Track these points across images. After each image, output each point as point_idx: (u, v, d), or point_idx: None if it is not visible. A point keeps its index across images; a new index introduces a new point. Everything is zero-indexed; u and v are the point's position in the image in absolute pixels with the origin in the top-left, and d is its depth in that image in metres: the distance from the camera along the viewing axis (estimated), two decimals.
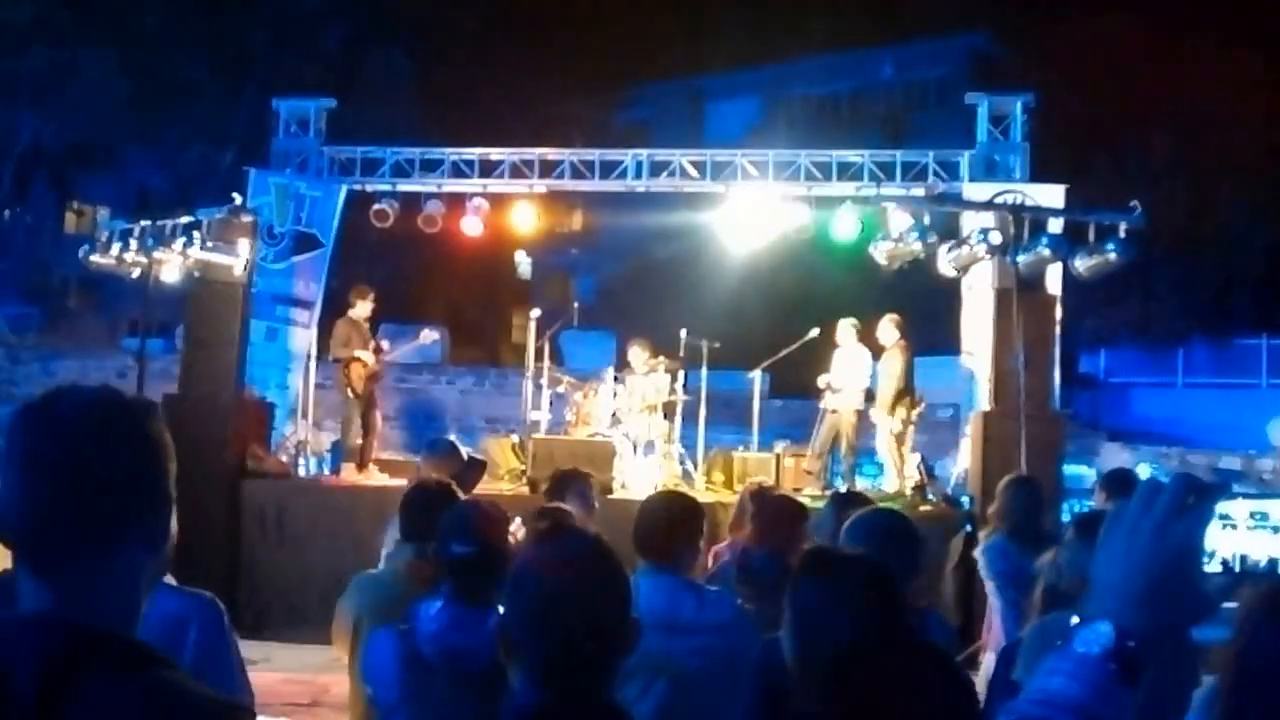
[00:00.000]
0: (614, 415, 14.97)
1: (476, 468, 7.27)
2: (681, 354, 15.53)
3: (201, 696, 1.76)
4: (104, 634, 1.75)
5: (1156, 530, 1.55)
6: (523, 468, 14.07)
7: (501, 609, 2.51)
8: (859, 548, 3.84)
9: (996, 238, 12.45)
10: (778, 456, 14.66)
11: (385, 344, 14.81)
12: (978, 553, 7.06)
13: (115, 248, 13.89)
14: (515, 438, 15.74)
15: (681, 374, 15.51)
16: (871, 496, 13.56)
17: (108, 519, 1.82)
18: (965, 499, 13.22)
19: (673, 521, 4.67)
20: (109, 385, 2.02)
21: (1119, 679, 1.52)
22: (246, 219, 14.10)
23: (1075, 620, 1.60)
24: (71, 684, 1.67)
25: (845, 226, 14.30)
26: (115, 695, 1.69)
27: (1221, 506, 1.65)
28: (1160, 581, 1.54)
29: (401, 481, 10.78)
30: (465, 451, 7.34)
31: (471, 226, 15.59)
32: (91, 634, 1.74)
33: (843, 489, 12.89)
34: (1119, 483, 7.17)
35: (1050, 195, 14.21)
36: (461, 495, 5.17)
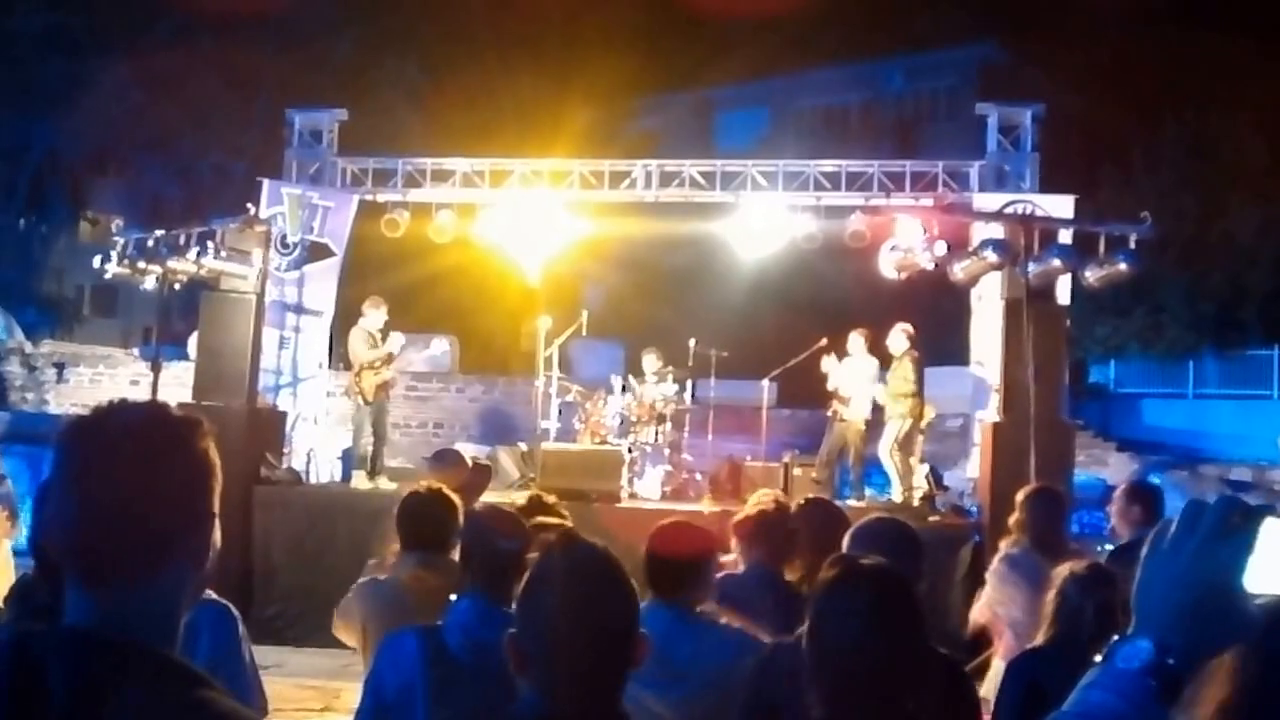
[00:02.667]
0: (622, 424, 14.99)
1: (482, 474, 7.28)
2: (690, 363, 15.56)
3: (237, 717, 1.78)
4: (143, 649, 1.76)
5: (1199, 550, 1.56)
6: (531, 476, 14.09)
7: (514, 618, 2.53)
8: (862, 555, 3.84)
9: (1006, 248, 12.46)
10: (785, 466, 14.66)
11: (399, 339, 14.76)
12: (996, 561, 7.05)
13: (129, 257, 13.94)
14: (524, 446, 15.77)
15: (690, 383, 15.53)
16: (878, 506, 13.65)
17: (155, 537, 1.83)
18: (974, 509, 13.22)
19: (682, 556, 4.44)
20: (158, 401, 2.02)
21: (1158, 695, 1.52)
22: (259, 229, 14.15)
23: (1115, 637, 1.62)
24: (108, 698, 1.68)
25: (854, 237, 14.34)
26: (151, 710, 1.71)
27: None
28: (1201, 601, 1.55)
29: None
30: (470, 458, 7.35)
31: (481, 234, 15.62)
32: (131, 649, 1.75)
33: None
34: (1139, 496, 7.17)
35: (1060, 206, 14.23)
36: (459, 503, 5.14)
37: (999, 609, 6.75)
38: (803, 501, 5.96)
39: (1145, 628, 1.58)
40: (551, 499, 6.09)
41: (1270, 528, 1.56)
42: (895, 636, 2.86)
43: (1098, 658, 1.62)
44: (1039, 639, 4.66)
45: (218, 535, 1.93)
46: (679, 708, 4.07)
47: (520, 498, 6.11)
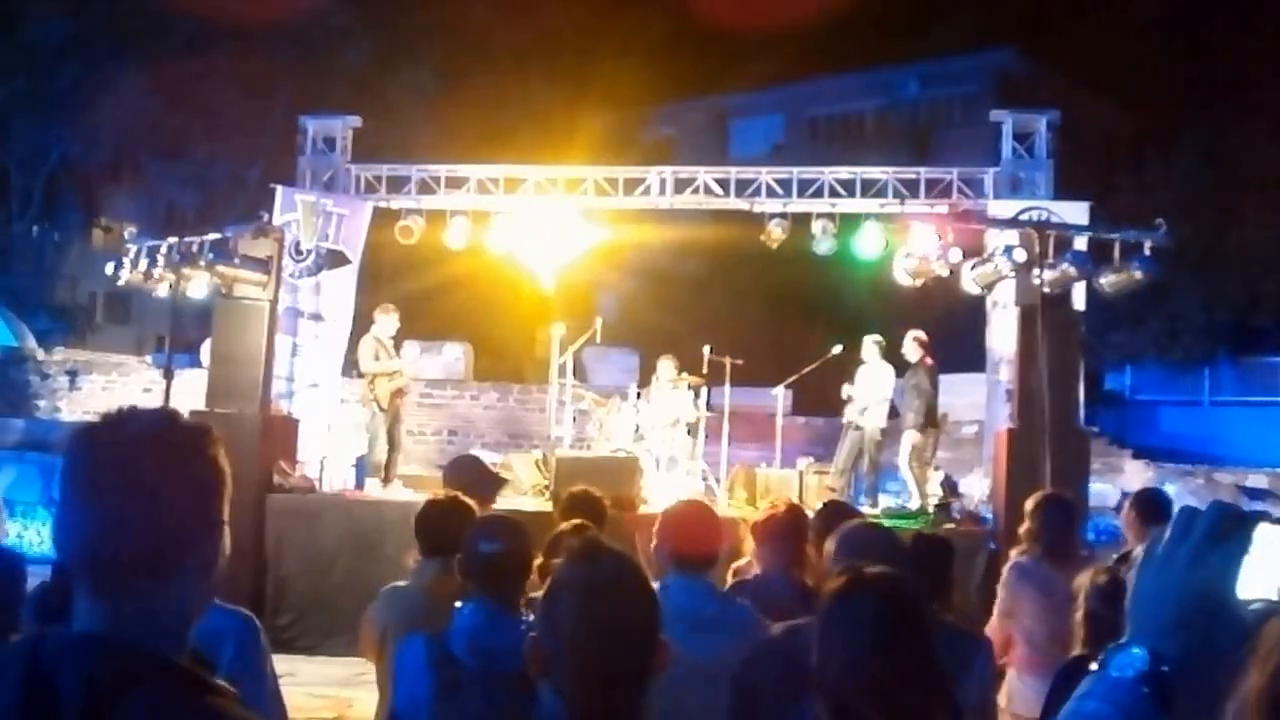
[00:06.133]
0: (637, 431, 14.97)
1: (496, 483, 7.29)
2: (705, 370, 15.54)
3: None
4: (155, 656, 1.76)
5: (1192, 557, 1.55)
6: (546, 483, 14.07)
7: (534, 623, 2.53)
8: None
9: (1021, 255, 12.40)
10: (800, 473, 14.63)
11: (413, 350, 14.83)
12: (1005, 570, 7.01)
13: (143, 264, 13.94)
14: (539, 453, 15.75)
15: (705, 390, 15.50)
16: (893, 513, 13.63)
17: (166, 546, 1.83)
18: (989, 516, 13.17)
19: (706, 531, 4.81)
20: (169, 408, 2.01)
21: (1153, 704, 1.51)
22: (273, 236, 14.14)
23: (1111, 645, 1.60)
24: (119, 704, 1.68)
25: (869, 243, 14.31)
26: (162, 717, 1.71)
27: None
28: (1195, 608, 1.53)
29: (426, 496, 10.76)
30: (486, 467, 7.36)
31: (494, 242, 15.62)
32: (142, 655, 1.75)
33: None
34: (1148, 504, 7.11)
35: (1075, 212, 14.19)
36: (477, 509, 5.21)
37: (1010, 619, 6.72)
38: (820, 506, 5.99)
39: (1139, 636, 1.57)
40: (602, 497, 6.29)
41: (1264, 534, 1.54)
42: (903, 648, 2.83)
43: (1093, 666, 1.60)
44: (1077, 649, 4.61)
45: (227, 542, 1.93)
46: (704, 659, 4.13)
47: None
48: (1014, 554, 7.04)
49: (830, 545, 4.28)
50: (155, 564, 1.81)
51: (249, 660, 3.76)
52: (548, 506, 12.95)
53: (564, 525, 5.67)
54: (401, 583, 5.20)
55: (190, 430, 1.93)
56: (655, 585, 4.37)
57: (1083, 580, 4.73)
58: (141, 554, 1.80)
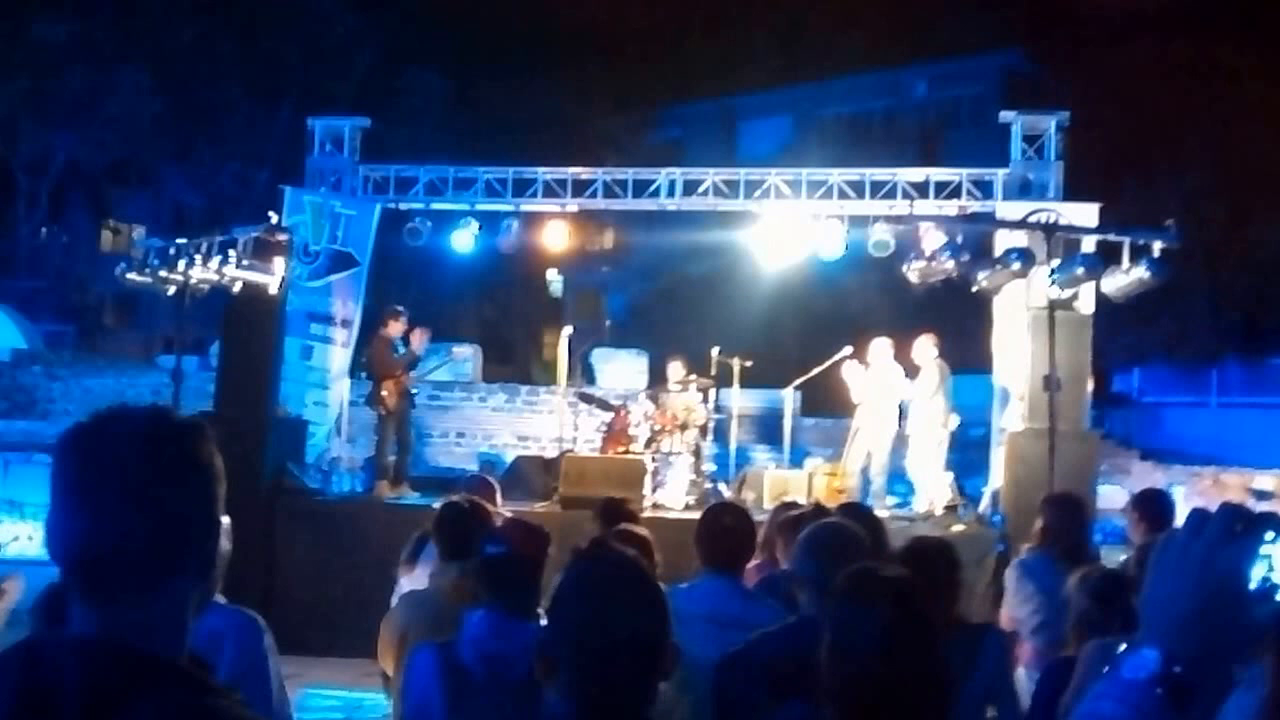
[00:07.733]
0: (645, 432, 14.95)
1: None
2: (713, 372, 15.52)
3: None
4: (153, 658, 1.73)
5: (1204, 557, 1.55)
6: (554, 485, 14.06)
7: (543, 625, 2.53)
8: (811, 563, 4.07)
9: (1030, 257, 12.40)
10: (809, 474, 14.61)
11: (422, 335, 14.71)
12: (1010, 567, 7.03)
13: (151, 265, 13.93)
14: (546, 455, 15.75)
15: (713, 392, 15.49)
16: (902, 516, 13.60)
17: (160, 547, 1.79)
18: (997, 518, 13.15)
19: (739, 532, 4.98)
20: (159, 406, 1.96)
21: (1166, 705, 1.51)
22: (281, 237, 14.12)
23: (1124, 646, 1.60)
24: (119, 706, 1.66)
25: (878, 245, 14.29)
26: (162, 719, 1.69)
27: None
28: (1206, 609, 1.54)
29: (433, 499, 10.77)
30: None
31: (504, 245, 15.62)
32: (141, 658, 1.72)
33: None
34: (1150, 504, 7.12)
35: (1084, 214, 14.16)
36: (493, 513, 5.23)
37: (1014, 613, 6.73)
38: (838, 507, 6.02)
39: (1152, 637, 1.57)
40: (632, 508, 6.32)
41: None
42: (916, 650, 2.82)
43: (1106, 668, 1.61)
44: (1070, 648, 4.62)
45: (225, 541, 1.89)
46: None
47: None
48: (1023, 550, 7.07)
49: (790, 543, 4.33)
50: (149, 565, 1.78)
51: (252, 660, 3.75)
52: (556, 509, 12.96)
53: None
54: (421, 587, 5.22)
55: (182, 427, 1.88)
56: (684, 585, 4.46)
57: (1073, 581, 4.75)
58: (134, 556, 1.77)
